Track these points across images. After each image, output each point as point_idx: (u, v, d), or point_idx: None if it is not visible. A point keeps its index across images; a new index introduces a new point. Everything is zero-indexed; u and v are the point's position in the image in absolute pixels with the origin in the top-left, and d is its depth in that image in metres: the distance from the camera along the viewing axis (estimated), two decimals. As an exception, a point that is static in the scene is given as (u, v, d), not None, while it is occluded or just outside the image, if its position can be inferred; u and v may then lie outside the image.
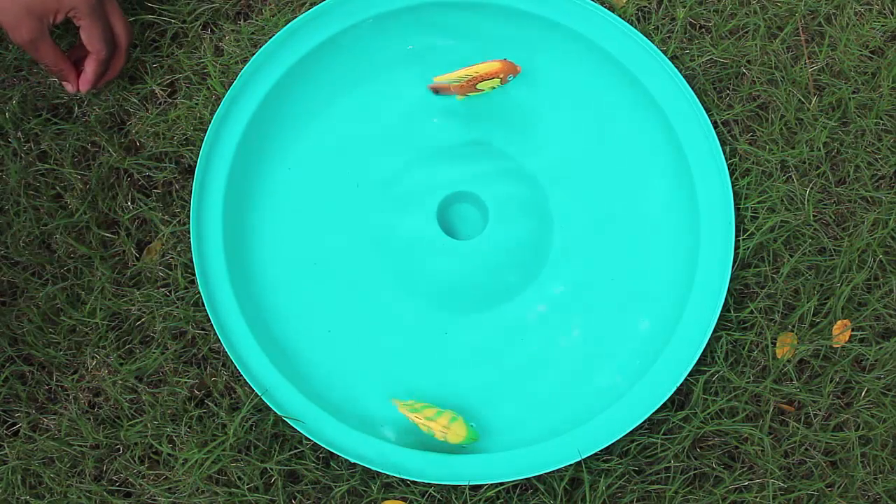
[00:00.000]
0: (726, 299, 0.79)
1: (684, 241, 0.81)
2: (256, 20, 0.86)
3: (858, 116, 0.86)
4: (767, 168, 0.84)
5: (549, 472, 0.76)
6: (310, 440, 0.76)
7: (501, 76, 0.79)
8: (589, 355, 0.81)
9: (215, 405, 0.78)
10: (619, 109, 0.84)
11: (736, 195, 0.82)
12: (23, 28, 0.72)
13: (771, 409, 0.79)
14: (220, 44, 0.85)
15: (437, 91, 0.82)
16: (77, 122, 0.83)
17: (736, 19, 0.87)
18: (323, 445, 0.74)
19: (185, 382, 0.78)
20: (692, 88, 0.83)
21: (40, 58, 0.74)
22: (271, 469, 0.76)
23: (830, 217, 0.84)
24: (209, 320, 0.77)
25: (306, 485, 0.76)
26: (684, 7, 0.87)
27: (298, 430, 0.75)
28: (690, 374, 0.78)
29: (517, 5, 0.83)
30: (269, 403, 0.75)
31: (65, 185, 0.82)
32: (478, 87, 0.81)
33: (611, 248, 0.83)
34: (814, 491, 0.78)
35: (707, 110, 0.84)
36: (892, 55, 0.87)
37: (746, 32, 0.88)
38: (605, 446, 0.75)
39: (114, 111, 0.84)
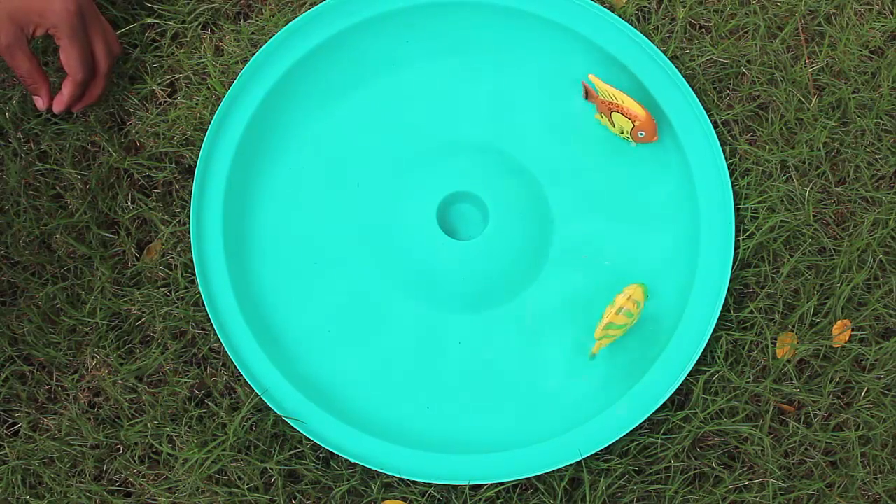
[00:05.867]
0: (726, 299, 0.79)
1: (684, 241, 0.82)
2: (256, 20, 0.86)
3: (858, 116, 0.86)
4: (767, 168, 0.84)
5: (549, 472, 0.76)
6: (310, 440, 0.76)
7: (637, 123, 0.79)
8: (589, 354, 0.81)
9: (215, 405, 0.78)
10: (619, 109, 0.84)
11: (736, 195, 0.82)
12: (1, 32, 0.72)
13: (771, 409, 0.79)
14: (220, 44, 0.85)
15: (586, 93, 0.83)
16: (77, 122, 0.83)
17: (736, 19, 0.87)
18: (323, 445, 0.74)
19: (185, 382, 0.78)
20: (692, 88, 0.83)
21: (15, 66, 0.75)
22: (271, 469, 0.76)
23: (830, 217, 0.84)
24: (209, 320, 0.77)
25: (306, 485, 0.76)
26: (684, 7, 0.87)
27: (298, 430, 0.75)
28: (690, 374, 0.78)
29: (517, 5, 0.83)
30: (269, 403, 0.75)
31: (65, 185, 0.82)
32: (613, 116, 0.80)
33: (611, 248, 0.83)
34: (814, 491, 0.78)
35: (707, 110, 0.84)
36: (892, 55, 0.87)
37: (746, 32, 0.88)
38: (605, 446, 0.75)
39: (114, 111, 0.84)
